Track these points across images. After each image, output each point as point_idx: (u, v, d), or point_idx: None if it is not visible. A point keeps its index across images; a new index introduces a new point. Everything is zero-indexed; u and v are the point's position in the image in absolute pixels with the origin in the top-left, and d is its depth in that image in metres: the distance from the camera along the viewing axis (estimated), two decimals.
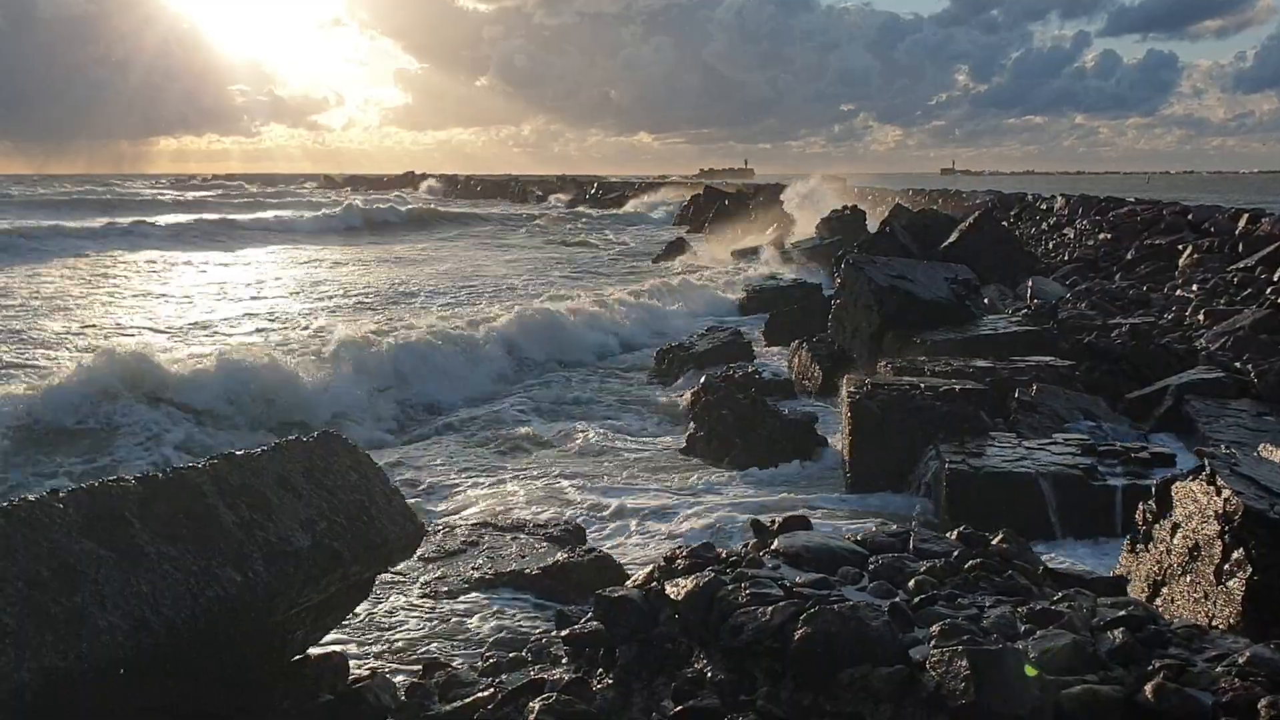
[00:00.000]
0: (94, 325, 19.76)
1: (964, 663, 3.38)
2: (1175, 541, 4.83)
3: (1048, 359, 11.47)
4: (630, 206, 70.13)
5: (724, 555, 4.72)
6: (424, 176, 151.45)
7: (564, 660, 4.54)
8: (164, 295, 25.56)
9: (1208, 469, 4.77)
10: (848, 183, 52.26)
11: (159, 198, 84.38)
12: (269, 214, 58.61)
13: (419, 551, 5.83)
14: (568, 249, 43.69)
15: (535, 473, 10.02)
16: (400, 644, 5.90)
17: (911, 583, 4.22)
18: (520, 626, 6.07)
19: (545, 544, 7.24)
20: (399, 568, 6.37)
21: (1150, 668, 3.44)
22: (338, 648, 5.26)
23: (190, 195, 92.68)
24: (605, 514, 8.77)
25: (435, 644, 5.91)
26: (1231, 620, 4.31)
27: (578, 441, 11.26)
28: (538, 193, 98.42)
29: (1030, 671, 3.34)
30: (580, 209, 74.68)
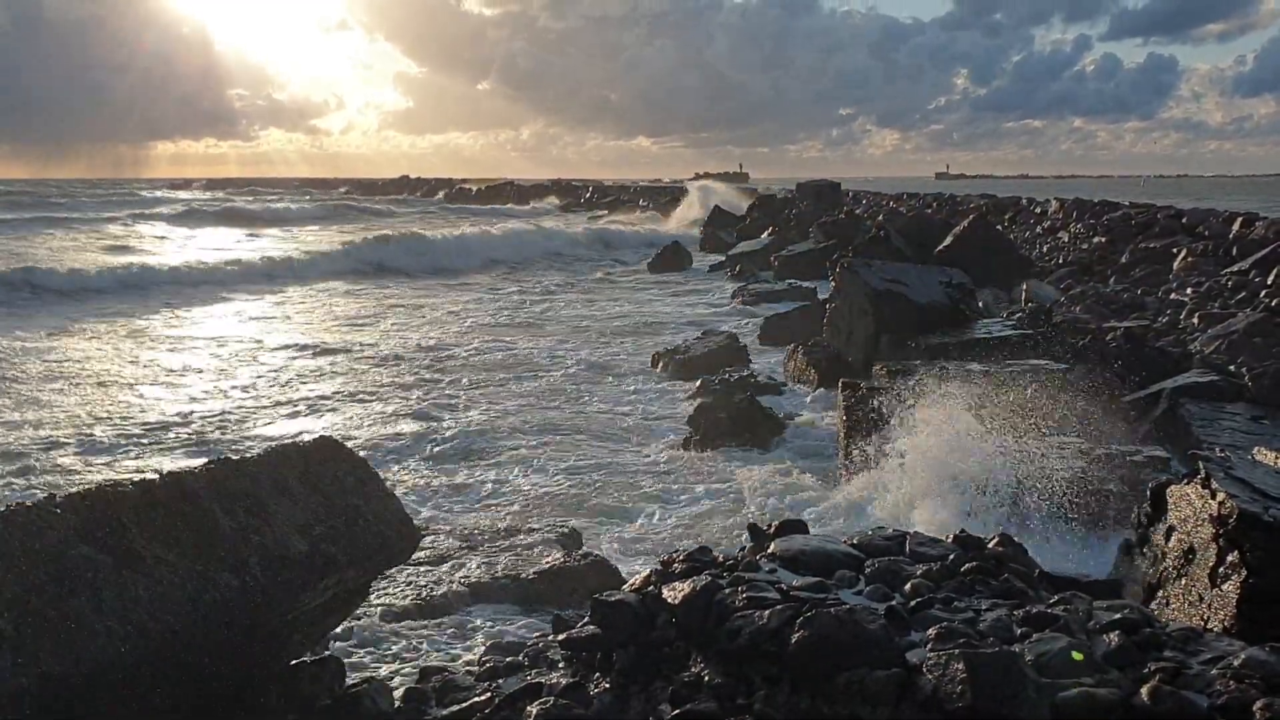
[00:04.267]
0: None
1: (961, 665, 3.39)
2: (1170, 545, 4.85)
3: (1042, 362, 11.50)
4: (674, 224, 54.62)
5: (721, 559, 4.72)
6: (420, 181, 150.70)
7: (561, 664, 4.54)
8: None
9: (1203, 472, 4.79)
10: None
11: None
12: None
13: (415, 556, 5.83)
14: None
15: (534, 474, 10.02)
16: (397, 648, 5.91)
17: (908, 586, 4.22)
18: (517, 631, 6.08)
19: (541, 548, 7.25)
20: (396, 572, 6.37)
21: (1146, 670, 3.45)
22: (334, 652, 5.26)
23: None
24: (604, 514, 8.78)
25: (432, 648, 5.91)
26: (1226, 623, 4.33)
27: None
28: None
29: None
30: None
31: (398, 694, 4.72)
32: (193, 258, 33.83)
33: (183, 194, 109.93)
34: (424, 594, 6.55)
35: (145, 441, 11.19)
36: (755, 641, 3.87)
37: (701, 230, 44.57)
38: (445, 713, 4.38)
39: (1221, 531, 4.47)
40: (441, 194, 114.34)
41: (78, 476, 9.64)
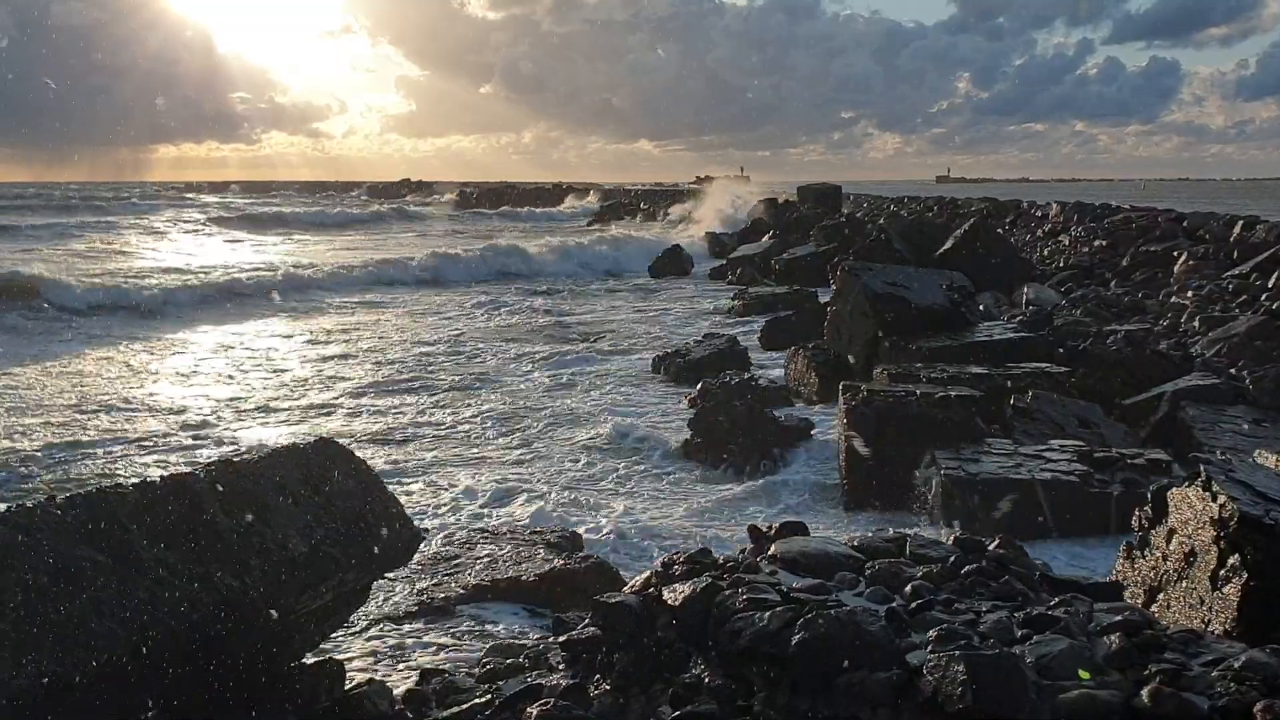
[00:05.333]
0: None
1: (961, 667, 3.39)
2: (1171, 547, 4.84)
3: (1043, 366, 11.49)
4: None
5: (721, 561, 4.72)
6: (420, 184, 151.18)
7: (561, 666, 4.54)
8: None
9: (1203, 475, 4.78)
10: None
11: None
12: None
13: (416, 558, 5.83)
14: None
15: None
16: (397, 650, 5.90)
17: (908, 588, 4.22)
18: (517, 633, 6.08)
19: (542, 550, 7.24)
20: (396, 574, 6.37)
21: (1147, 672, 3.45)
22: (335, 654, 5.26)
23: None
24: (602, 519, 8.78)
25: (432, 650, 5.91)
26: (1227, 625, 4.32)
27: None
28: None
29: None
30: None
31: (398, 695, 4.71)
32: (215, 261, 33.95)
33: (193, 196, 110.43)
34: (424, 596, 6.55)
35: (145, 444, 11.20)
36: (755, 643, 3.87)
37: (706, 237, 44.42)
38: (445, 714, 4.37)
39: (1222, 534, 4.47)
40: (449, 196, 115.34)
41: (79, 478, 9.64)
